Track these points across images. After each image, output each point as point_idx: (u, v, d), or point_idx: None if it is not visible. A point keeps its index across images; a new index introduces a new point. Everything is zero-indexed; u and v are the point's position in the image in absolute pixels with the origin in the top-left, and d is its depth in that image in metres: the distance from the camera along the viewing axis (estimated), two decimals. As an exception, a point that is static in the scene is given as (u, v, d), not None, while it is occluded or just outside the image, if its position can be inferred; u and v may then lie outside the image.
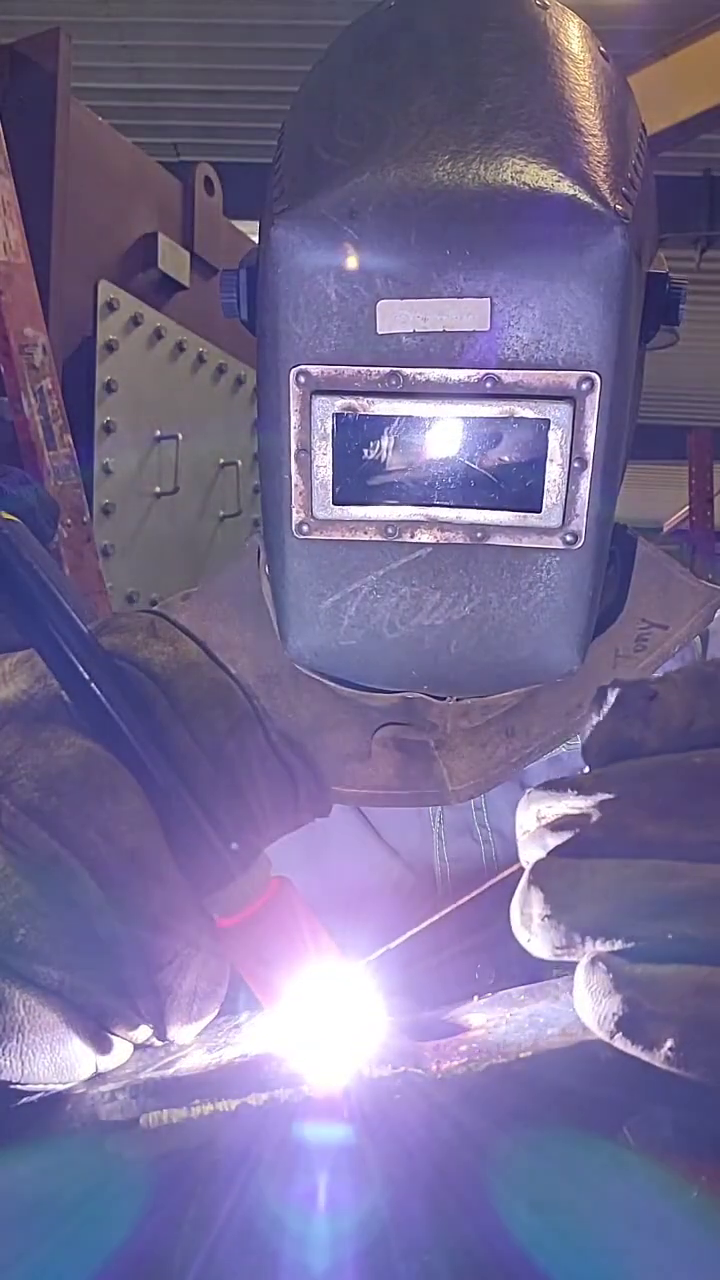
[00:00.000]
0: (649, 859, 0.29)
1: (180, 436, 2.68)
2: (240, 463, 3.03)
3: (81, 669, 0.34)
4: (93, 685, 0.34)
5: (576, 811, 0.32)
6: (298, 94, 0.64)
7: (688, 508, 7.26)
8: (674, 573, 0.75)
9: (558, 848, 0.31)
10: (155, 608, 0.48)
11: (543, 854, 0.32)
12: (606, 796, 0.31)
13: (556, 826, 0.32)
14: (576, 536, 0.57)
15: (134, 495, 2.61)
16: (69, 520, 2.10)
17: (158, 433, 2.66)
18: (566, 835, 0.31)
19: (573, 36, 0.59)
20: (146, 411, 2.62)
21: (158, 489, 2.68)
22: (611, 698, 0.34)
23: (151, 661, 0.36)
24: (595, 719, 0.34)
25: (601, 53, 0.60)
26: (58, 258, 2.36)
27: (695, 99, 3.42)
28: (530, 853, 0.32)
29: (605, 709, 0.34)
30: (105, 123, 2.63)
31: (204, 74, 4.64)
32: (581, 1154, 0.29)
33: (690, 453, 7.13)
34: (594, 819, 0.31)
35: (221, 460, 2.98)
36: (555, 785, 0.32)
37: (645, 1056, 0.27)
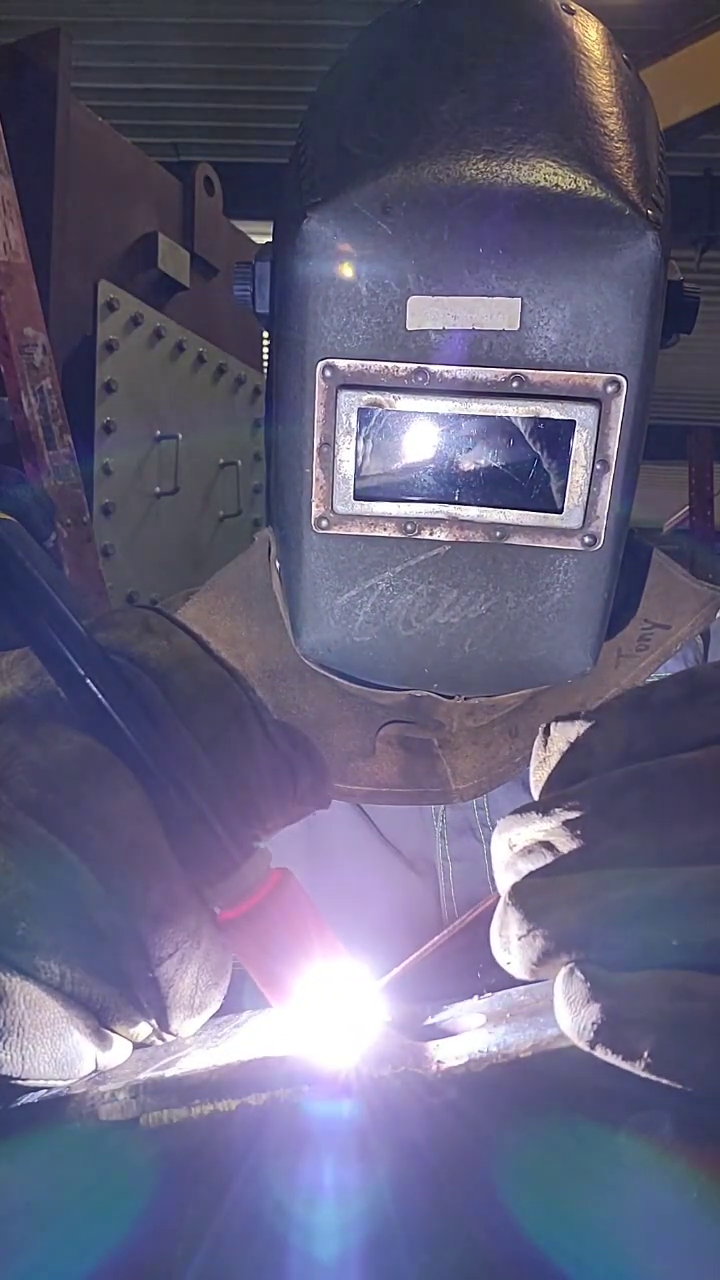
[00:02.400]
0: (619, 869, 0.30)
1: (180, 436, 2.68)
2: (240, 463, 3.03)
3: (77, 665, 0.34)
4: (88, 681, 0.34)
5: (544, 835, 0.32)
6: (321, 88, 0.64)
7: (688, 508, 7.26)
8: (677, 575, 0.75)
9: (531, 870, 0.31)
10: (155, 605, 0.48)
11: (517, 879, 0.32)
12: (571, 815, 0.31)
13: (527, 851, 0.32)
14: (596, 538, 0.57)
15: (134, 495, 2.61)
16: (69, 520, 2.10)
17: (158, 433, 2.66)
18: (538, 858, 0.32)
19: (598, 43, 0.59)
20: (146, 411, 2.62)
21: (158, 489, 2.68)
22: (555, 732, 0.34)
23: (147, 656, 0.36)
24: (540, 754, 0.34)
25: (625, 60, 0.60)
26: (58, 258, 2.36)
27: (695, 99, 3.41)
28: (506, 880, 0.32)
29: (549, 743, 0.34)
30: (105, 123, 2.63)
31: (204, 74, 4.64)
32: (585, 1147, 0.29)
33: (690, 453, 7.13)
34: (562, 838, 0.31)
35: (221, 460, 2.98)
36: (522, 811, 0.33)
37: (626, 1065, 0.27)
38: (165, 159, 3.66)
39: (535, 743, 0.35)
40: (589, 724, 0.33)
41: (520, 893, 0.30)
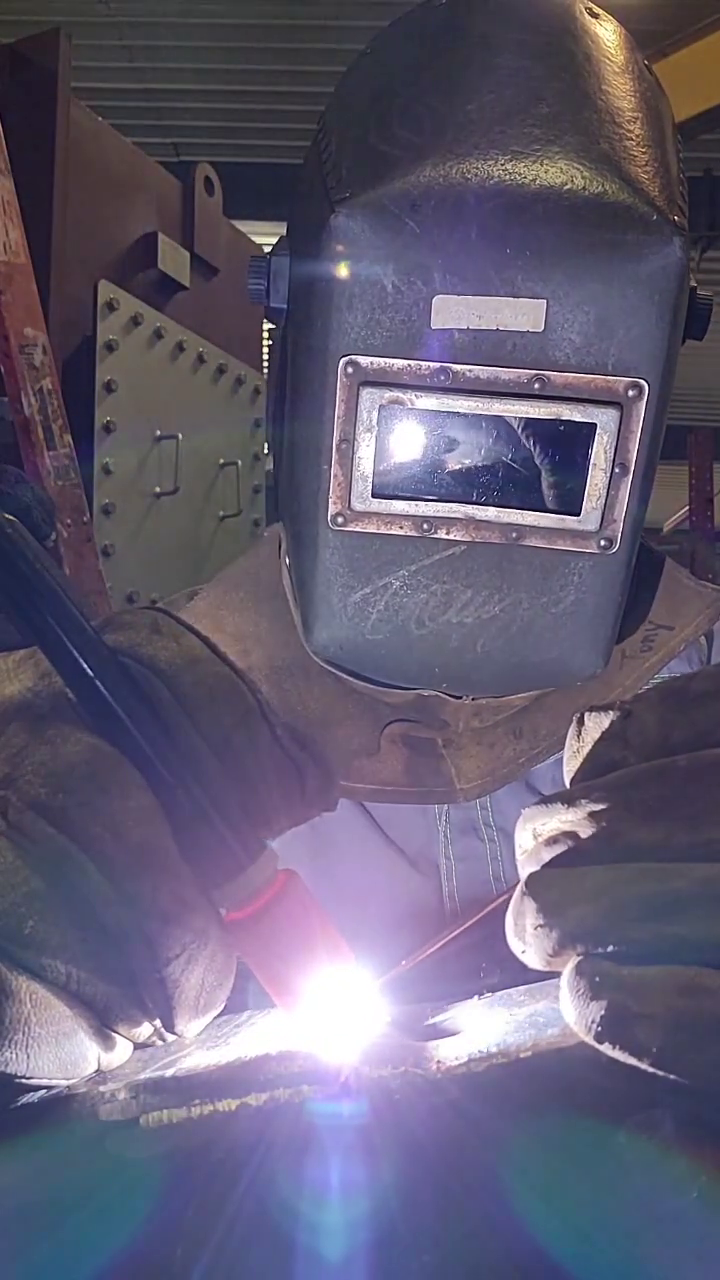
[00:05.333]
0: (640, 863, 0.29)
1: (180, 436, 2.68)
2: (240, 463, 3.03)
3: (86, 666, 0.34)
4: (97, 682, 0.34)
5: (569, 825, 0.32)
6: (343, 85, 0.64)
7: (688, 508, 7.26)
8: (680, 577, 0.75)
9: (551, 860, 0.31)
10: (158, 605, 0.48)
11: (538, 868, 0.32)
12: (596, 806, 0.31)
13: (551, 841, 0.32)
14: (612, 541, 0.57)
15: (134, 495, 2.61)
16: (69, 520, 2.10)
17: (158, 433, 2.66)
18: (561, 849, 0.31)
19: (621, 47, 0.59)
20: (146, 411, 2.63)
21: (158, 489, 2.68)
22: (589, 722, 0.34)
23: (156, 658, 0.36)
24: (573, 744, 0.34)
25: (646, 65, 0.61)
26: (58, 258, 2.36)
27: (695, 99, 3.42)
28: (528, 869, 0.32)
29: (582, 733, 0.34)
30: (105, 123, 2.63)
31: (204, 74, 4.65)
32: (586, 1146, 0.29)
33: (690, 453, 7.13)
34: (586, 829, 0.31)
35: (221, 460, 2.98)
36: (547, 801, 0.32)
37: (632, 1060, 0.26)
38: (165, 159, 3.66)
39: (569, 732, 0.35)
40: (623, 715, 0.33)
41: (538, 883, 0.30)
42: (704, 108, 3.43)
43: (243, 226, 3.28)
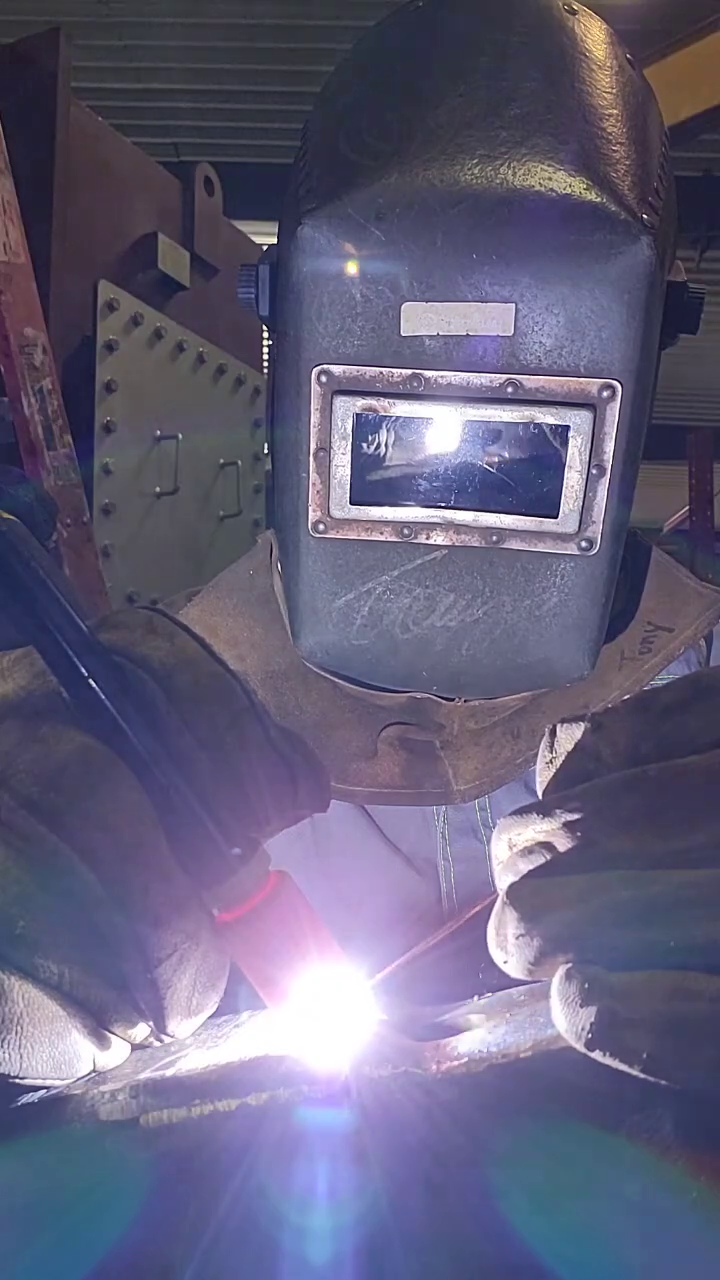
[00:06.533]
0: (617, 871, 0.30)
1: (180, 436, 2.68)
2: (240, 463, 3.03)
3: (80, 665, 0.34)
4: (91, 681, 0.34)
5: (544, 835, 0.32)
6: (323, 91, 0.64)
7: (688, 508, 7.25)
8: (680, 577, 0.75)
9: (530, 870, 0.32)
10: (156, 606, 0.48)
11: (516, 879, 0.32)
12: (571, 817, 0.31)
13: (527, 851, 0.32)
14: (592, 543, 0.57)
15: (134, 495, 2.61)
16: (69, 520, 2.10)
17: (158, 433, 2.66)
18: (537, 858, 0.32)
19: (600, 43, 0.59)
20: (146, 411, 2.62)
21: (158, 489, 2.68)
22: (561, 734, 0.34)
23: (149, 657, 0.36)
24: (545, 755, 0.35)
25: (628, 59, 0.60)
26: (58, 258, 2.36)
27: (695, 99, 3.41)
28: (505, 880, 0.32)
29: (555, 745, 0.34)
30: (105, 123, 2.63)
31: (204, 74, 4.64)
32: (583, 1149, 0.29)
33: (690, 453, 7.12)
34: (562, 839, 0.31)
35: (221, 460, 2.98)
36: (523, 812, 0.33)
37: (624, 1066, 0.27)
38: (165, 159, 3.65)
39: (541, 745, 0.35)
40: (593, 727, 0.33)
41: (518, 893, 0.30)
42: (704, 108, 3.42)
43: (243, 226, 3.27)
